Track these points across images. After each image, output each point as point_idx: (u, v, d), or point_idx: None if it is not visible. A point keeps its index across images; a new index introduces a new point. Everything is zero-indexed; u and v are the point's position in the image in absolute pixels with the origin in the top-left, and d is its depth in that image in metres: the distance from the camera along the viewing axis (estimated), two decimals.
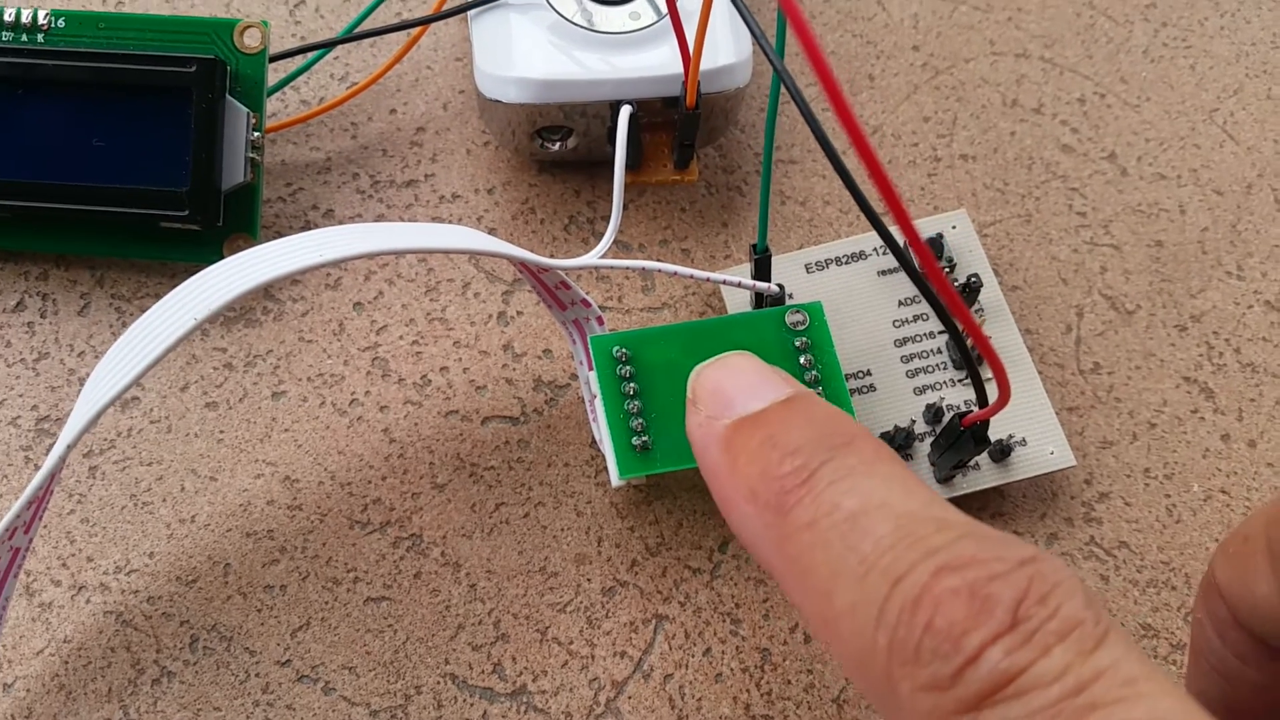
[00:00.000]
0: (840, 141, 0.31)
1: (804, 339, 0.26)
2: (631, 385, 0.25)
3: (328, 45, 0.30)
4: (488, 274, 0.30)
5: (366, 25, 0.30)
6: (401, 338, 0.29)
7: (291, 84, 0.30)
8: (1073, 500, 0.28)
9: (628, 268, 0.26)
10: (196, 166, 0.27)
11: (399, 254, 0.28)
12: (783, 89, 0.24)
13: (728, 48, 0.28)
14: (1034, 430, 0.28)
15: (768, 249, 0.28)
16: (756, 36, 0.23)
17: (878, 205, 0.29)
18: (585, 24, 0.28)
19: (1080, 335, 0.30)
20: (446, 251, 0.25)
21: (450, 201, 0.30)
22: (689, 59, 0.26)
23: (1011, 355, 0.29)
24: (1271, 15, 0.34)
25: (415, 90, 0.31)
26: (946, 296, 0.19)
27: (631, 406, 0.25)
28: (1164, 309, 0.30)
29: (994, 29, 0.33)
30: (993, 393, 0.23)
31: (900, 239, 0.30)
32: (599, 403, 0.26)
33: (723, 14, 0.28)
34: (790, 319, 0.27)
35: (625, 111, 0.27)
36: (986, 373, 0.28)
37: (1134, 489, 0.28)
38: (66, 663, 0.26)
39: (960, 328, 0.26)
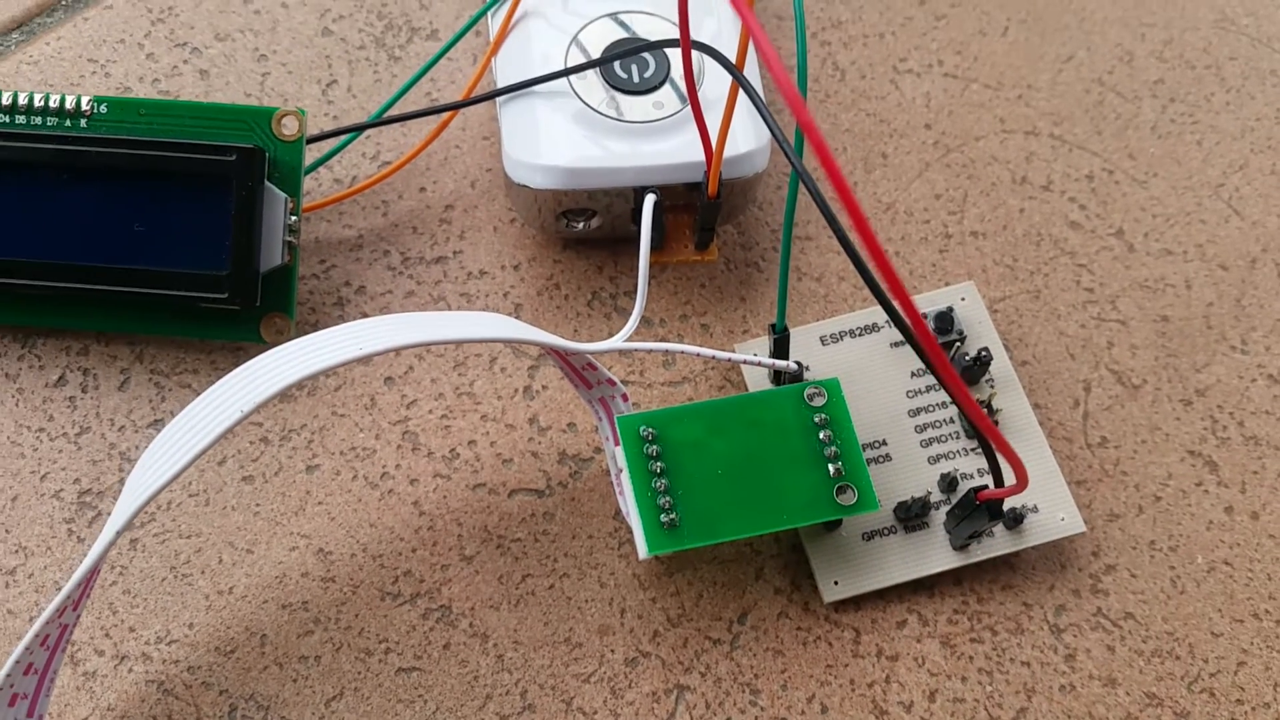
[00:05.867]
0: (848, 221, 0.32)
1: (823, 415, 0.27)
2: (658, 464, 0.26)
3: (360, 129, 0.31)
4: (514, 350, 0.31)
5: (397, 109, 0.31)
6: (431, 412, 0.30)
7: (325, 164, 0.31)
8: (1080, 572, 0.29)
9: (651, 350, 0.27)
10: (236, 251, 0.28)
11: (433, 345, 0.30)
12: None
13: (747, 135, 0.29)
14: (1045, 498, 0.29)
15: (786, 328, 0.29)
16: (778, 138, 0.24)
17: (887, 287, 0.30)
18: (610, 112, 0.29)
19: (1088, 410, 0.31)
20: (478, 341, 0.25)
21: (478, 278, 0.31)
22: (711, 150, 0.27)
23: (1022, 425, 0.30)
24: (1276, 91, 0.35)
25: (444, 169, 0.33)
26: (951, 384, 0.20)
27: (659, 485, 0.26)
28: (1169, 383, 0.31)
29: (1004, 107, 0.34)
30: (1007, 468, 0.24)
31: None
32: (625, 476, 0.27)
33: (742, 102, 0.29)
34: (808, 395, 0.27)
35: (650, 200, 0.28)
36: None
37: (1140, 561, 0.29)
38: None
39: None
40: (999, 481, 0.25)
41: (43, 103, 0.29)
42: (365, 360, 0.30)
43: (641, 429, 0.27)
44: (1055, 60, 0.35)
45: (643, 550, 0.26)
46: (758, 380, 0.30)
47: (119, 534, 0.23)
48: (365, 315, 0.30)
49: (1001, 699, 0.27)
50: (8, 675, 0.24)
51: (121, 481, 0.29)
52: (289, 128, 0.29)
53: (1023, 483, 0.22)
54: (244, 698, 0.27)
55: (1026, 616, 0.28)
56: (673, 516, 0.26)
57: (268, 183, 0.29)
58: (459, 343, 0.30)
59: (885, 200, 0.33)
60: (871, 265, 0.18)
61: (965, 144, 0.34)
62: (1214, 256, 0.33)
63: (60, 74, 0.33)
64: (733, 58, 0.25)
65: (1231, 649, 0.28)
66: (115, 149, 0.28)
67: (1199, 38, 0.36)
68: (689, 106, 0.29)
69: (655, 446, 0.27)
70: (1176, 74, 0.35)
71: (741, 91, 0.25)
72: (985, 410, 0.29)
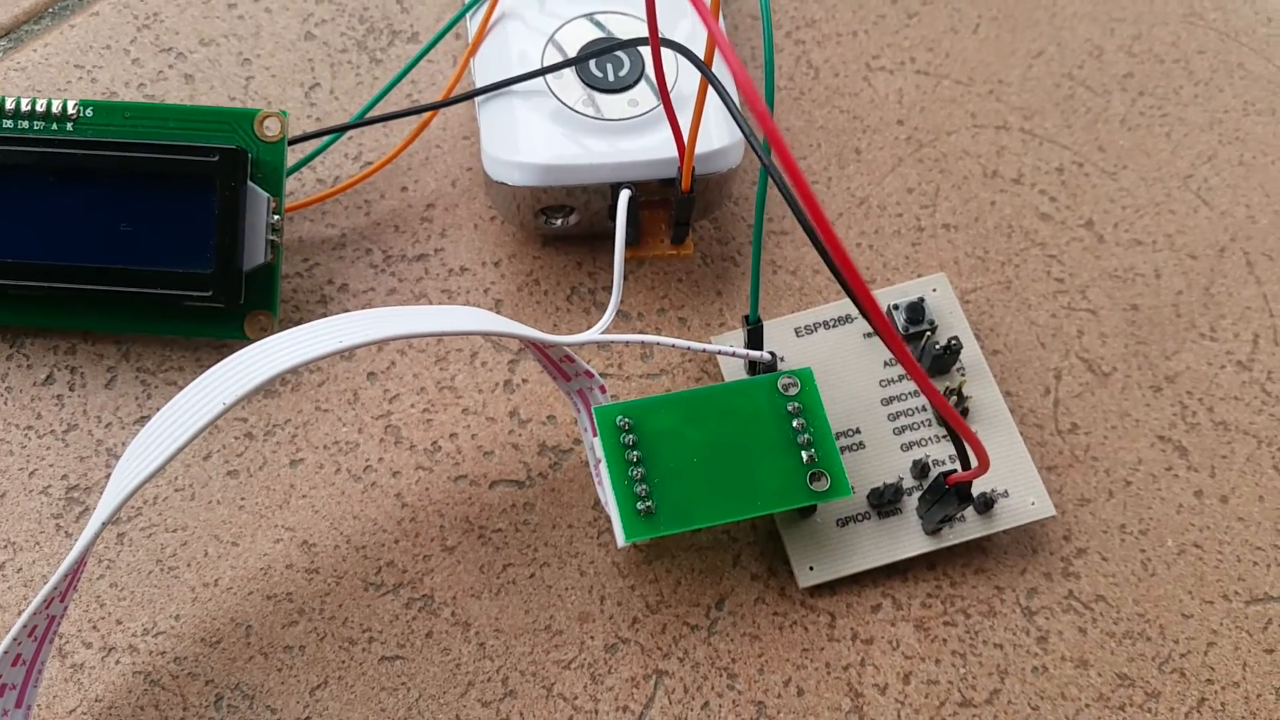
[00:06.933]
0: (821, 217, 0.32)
1: (796, 403, 0.28)
2: (635, 453, 0.27)
3: (342, 129, 0.31)
4: (494, 344, 0.31)
5: (379, 109, 0.32)
6: (413, 406, 0.30)
7: (308, 164, 0.32)
8: (1052, 555, 0.29)
9: (628, 342, 0.28)
10: (220, 250, 0.29)
11: (411, 338, 0.30)
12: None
13: (720, 132, 0.30)
14: (1015, 483, 0.29)
15: (760, 320, 0.29)
16: (746, 135, 0.24)
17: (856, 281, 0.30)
18: (586, 110, 0.30)
19: (1058, 397, 0.31)
20: (456, 334, 0.26)
21: (459, 274, 0.32)
22: (683, 147, 0.28)
23: (992, 412, 0.30)
24: (1243, 83, 0.36)
25: (425, 168, 0.33)
26: (912, 372, 0.21)
27: (635, 473, 0.27)
28: (1139, 371, 0.32)
29: (975, 102, 0.35)
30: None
31: (884, 307, 0.31)
32: (604, 467, 0.27)
33: (715, 99, 0.30)
34: (782, 384, 0.28)
35: (624, 196, 0.29)
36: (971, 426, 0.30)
37: (1110, 544, 0.30)
38: None
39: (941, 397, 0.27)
40: (965, 465, 0.26)
41: (29, 107, 0.30)
42: (347, 355, 0.31)
43: (618, 419, 0.27)
44: (1026, 56, 0.36)
45: (620, 538, 0.27)
46: (734, 372, 0.31)
47: (104, 526, 0.24)
48: (348, 312, 0.31)
49: (974, 681, 0.28)
50: None
51: (108, 477, 0.29)
52: (271, 129, 0.30)
53: (984, 463, 0.23)
54: (230, 687, 0.27)
55: (999, 599, 0.29)
56: (649, 504, 0.27)
57: (250, 183, 0.29)
58: (438, 336, 0.30)
59: (859, 195, 0.33)
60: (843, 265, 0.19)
61: (937, 139, 0.34)
62: (1183, 246, 0.33)
63: (48, 80, 0.34)
64: (705, 56, 0.26)
65: (1201, 630, 0.29)
66: (101, 151, 0.29)
67: (1168, 32, 0.37)
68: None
69: (631, 436, 0.27)
70: (1145, 68, 0.36)
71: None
72: (955, 398, 0.29)
